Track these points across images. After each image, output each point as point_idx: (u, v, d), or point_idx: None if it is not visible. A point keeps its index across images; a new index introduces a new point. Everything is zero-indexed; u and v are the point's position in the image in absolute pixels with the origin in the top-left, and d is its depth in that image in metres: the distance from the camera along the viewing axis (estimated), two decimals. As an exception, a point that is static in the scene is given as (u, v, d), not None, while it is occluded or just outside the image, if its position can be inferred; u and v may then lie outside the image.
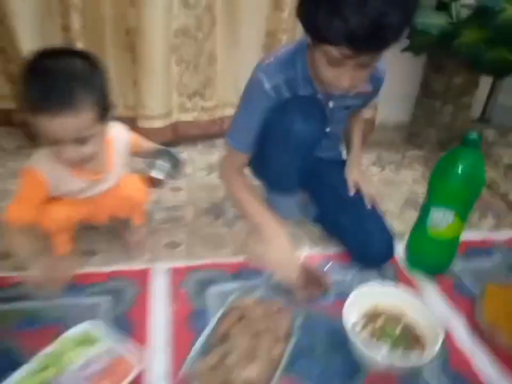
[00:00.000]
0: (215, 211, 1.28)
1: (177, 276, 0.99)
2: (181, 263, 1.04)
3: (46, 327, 0.84)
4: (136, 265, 1.02)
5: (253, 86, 0.99)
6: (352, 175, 1.15)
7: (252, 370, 0.74)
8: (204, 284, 0.98)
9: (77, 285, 0.94)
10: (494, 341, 0.86)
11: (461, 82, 1.64)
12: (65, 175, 0.88)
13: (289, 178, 1.08)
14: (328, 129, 1.10)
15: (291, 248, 0.98)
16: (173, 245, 1.13)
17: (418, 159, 1.69)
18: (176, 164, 1.10)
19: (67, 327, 0.81)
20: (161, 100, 1.50)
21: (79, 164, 0.84)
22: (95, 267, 1.02)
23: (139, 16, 1.36)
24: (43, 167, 0.86)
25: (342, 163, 1.20)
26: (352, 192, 1.12)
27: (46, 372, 0.73)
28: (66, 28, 1.34)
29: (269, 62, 0.98)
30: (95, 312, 0.88)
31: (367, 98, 1.11)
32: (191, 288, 0.96)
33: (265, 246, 0.97)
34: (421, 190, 1.44)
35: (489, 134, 1.72)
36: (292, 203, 1.12)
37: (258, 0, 1.48)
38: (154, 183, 1.08)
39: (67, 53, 0.81)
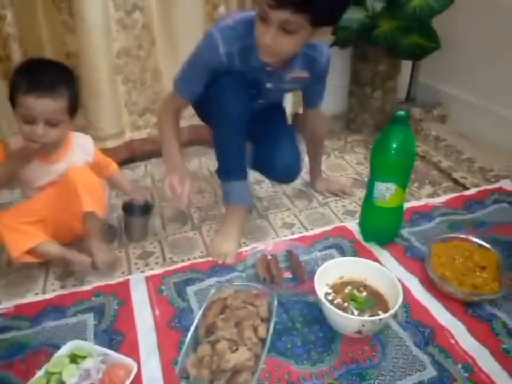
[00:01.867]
0: (181, 218, 1.33)
1: (154, 282, 1.04)
2: (156, 271, 1.09)
3: (36, 352, 0.86)
4: (114, 280, 1.06)
5: (208, 43, 1.05)
6: (319, 186, 1.45)
7: (239, 355, 0.80)
8: (182, 286, 1.03)
9: (60, 307, 0.97)
10: (444, 290, 0.99)
11: (384, 68, 1.79)
12: None
13: (236, 155, 1.15)
14: (261, 101, 1.21)
15: None
16: (146, 255, 1.17)
17: (358, 143, 1.83)
18: (148, 213, 1.25)
19: (57, 347, 0.84)
20: (112, 120, 1.53)
21: (42, 145, 1.02)
22: (74, 287, 1.05)
23: (79, 41, 1.38)
24: (12, 144, 1.06)
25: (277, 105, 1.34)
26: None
27: (46, 391, 0.76)
28: (6, 58, 1.34)
29: (227, 24, 1.04)
30: (82, 330, 0.91)
31: (305, 85, 1.21)
32: (170, 291, 1.01)
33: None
34: (365, 170, 1.57)
35: (416, 112, 1.89)
36: (244, 189, 1.18)
37: (193, 13, 1.52)
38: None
39: (52, 61, 1.09)
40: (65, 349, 0.83)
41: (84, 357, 0.81)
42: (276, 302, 0.92)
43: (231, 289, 0.97)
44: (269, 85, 1.15)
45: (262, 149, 1.23)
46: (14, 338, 0.89)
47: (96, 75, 1.43)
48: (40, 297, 1.01)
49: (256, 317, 0.89)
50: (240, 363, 0.79)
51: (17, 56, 1.32)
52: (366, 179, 1.15)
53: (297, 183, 1.50)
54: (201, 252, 1.18)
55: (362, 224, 1.19)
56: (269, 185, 1.49)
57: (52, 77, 1.00)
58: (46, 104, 0.98)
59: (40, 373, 0.79)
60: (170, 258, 1.16)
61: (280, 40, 0.95)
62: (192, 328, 0.87)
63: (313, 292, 0.90)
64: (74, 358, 0.81)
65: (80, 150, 1.12)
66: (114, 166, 1.23)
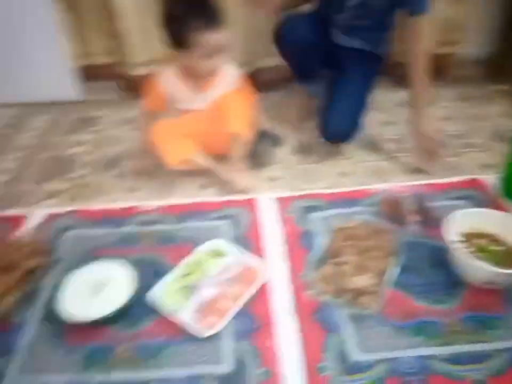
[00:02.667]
0: (306, 150, 1.36)
1: (283, 203, 1.09)
2: (283, 194, 1.14)
3: (181, 244, 0.98)
4: (247, 196, 1.13)
5: None
6: (412, 138, 1.31)
7: (363, 279, 0.84)
8: (307, 211, 1.07)
9: (198, 211, 1.08)
10: None
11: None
12: (177, 87, 1.18)
13: (308, 64, 1.33)
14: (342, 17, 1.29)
15: None
16: (273, 179, 1.23)
17: (502, 93, 1.64)
18: (276, 143, 1.34)
19: (196, 244, 0.95)
20: (242, 48, 1.56)
21: (206, 75, 1.14)
22: (210, 197, 1.15)
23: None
24: (165, 80, 1.19)
25: (363, 54, 1.35)
26: None
27: (189, 277, 0.88)
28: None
29: None
30: (217, 234, 1.01)
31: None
32: (296, 214, 1.07)
33: None
34: (507, 124, 1.43)
35: None
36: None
37: None
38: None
39: None
40: (207, 245, 0.94)
41: (223, 254, 0.92)
42: (402, 240, 0.92)
43: (356, 221, 0.99)
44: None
45: (322, 112, 1.32)
46: (163, 231, 1.02)
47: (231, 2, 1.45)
48: (184, 200, 1.12)
49: (381, 249, 0.90)
50: (364, 287, 0.83)
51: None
52: (507, 133, 1.04)
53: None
54: (325, 183, 1.21)
55: (505, 179, 1.10)
56: (400, 127, 1.44)
57: (212, 9, 1.06)
58: (219, 37, 1.06)
59: (184, 262, 0.90)
60: (296, 185, 1.21)
61: None
62: (317, 248, 0.92)
63: (442, 237, 0.88)
64: (216, 254, 0.92)
65: (226, 78, 1.18)
66: (253, 96, 1.27)
